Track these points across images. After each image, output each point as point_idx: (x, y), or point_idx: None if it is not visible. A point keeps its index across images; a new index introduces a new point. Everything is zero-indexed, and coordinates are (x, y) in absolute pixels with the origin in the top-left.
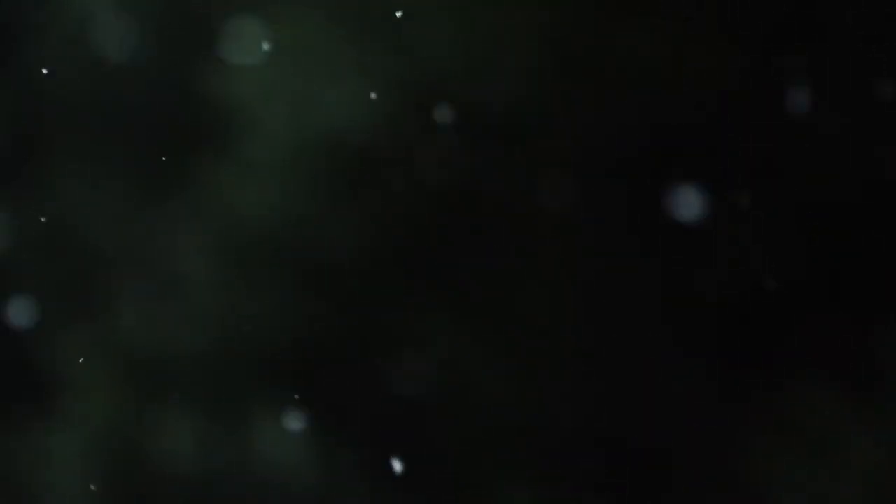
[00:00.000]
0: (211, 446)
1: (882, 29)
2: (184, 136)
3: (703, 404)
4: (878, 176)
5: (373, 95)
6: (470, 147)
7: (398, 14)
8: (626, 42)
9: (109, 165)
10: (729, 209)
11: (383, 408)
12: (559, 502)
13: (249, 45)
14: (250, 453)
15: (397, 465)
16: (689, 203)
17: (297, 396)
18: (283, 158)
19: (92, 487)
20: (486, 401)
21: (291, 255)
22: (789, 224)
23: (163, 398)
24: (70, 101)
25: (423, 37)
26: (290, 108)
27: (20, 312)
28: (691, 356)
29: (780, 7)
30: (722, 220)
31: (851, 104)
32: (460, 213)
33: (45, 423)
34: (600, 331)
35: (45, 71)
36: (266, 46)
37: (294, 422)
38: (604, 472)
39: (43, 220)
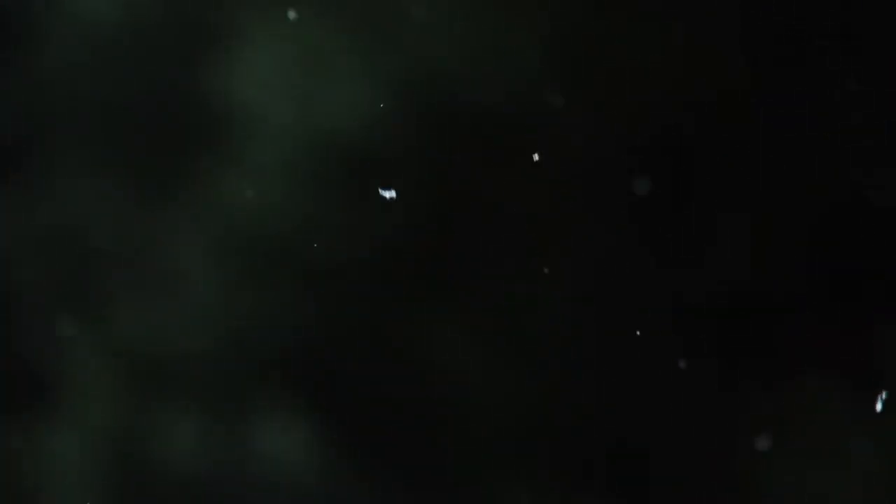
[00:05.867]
0: (211, 446)
1: (882, 30)
2: (184, 136)
3: (703, 404)
4: (879, 176)
5: (373, 96)
6: (470, 147)
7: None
8: (627, 42)
9: (109, 165)
10: (729, 209)
11: (383, 408)
12: (559, 502)
13: (250, 44)
14: (251, 453)
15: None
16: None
17: (297, 396)
18: (283, 158)
19: (92, 487)
20: (487, 401)
21: (292, 255)
22: (789, 223)
23: (163, 398)
24: (70, 101)
25: (424, 37)
26: (291, 108)
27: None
28: (691, 356)
29: (781, 8)
30: (723, 219)
31: (852, 105)
32: (461, 213)
33: (46, 423)
34: (601, 330)
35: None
36: (267, 46)
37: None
38: (604, 472)
39: (43, 220)
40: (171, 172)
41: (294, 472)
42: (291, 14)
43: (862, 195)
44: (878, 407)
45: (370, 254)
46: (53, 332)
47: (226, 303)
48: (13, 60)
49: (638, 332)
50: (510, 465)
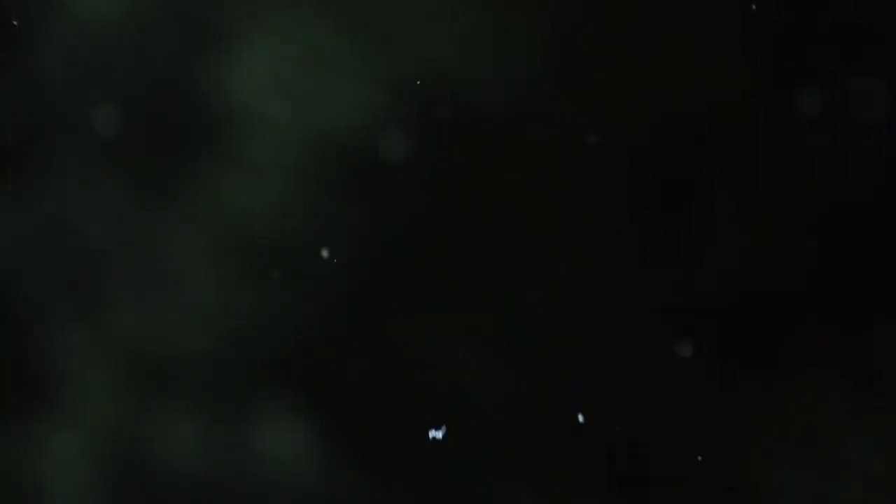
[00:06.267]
0: (211, 446)
1: (882, 29)
2: (184, 136)
3: (703, 404)
4: (879, 175)
5: (373, 96)
6: (470, 147)
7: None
8: (626, 42)
9: (109, 165)
10: (729, 208)
11: (383, 408)
12: (559, 502)
13: (250, 44)
14: (251, 453)
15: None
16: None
17: (297, 396)
18: (283, 158)
19: (92, 487)
20: (487, 401)
21: (292, 255)
22: (790, 223)
23: (163, 398)
24: (70, 101)
25: (423, 37)
26: (291, 108)
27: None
28: (692, 356)
29: (780, 7)
30: (722, 219)
31: (852, 103)
32: (461, 213)
33: (46, 423)
34: (601, 330)
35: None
36: (267, 46)
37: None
38: (604, 472)
39: (43, 220)
40: (171, 172)
41: (294, 472)
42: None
43: (862, 195)
44: None
45: (370, 254)
46: (53, 332)
47: (226, 303)
48: (13, 60)
49: (637, 332)
50: (510, 465)
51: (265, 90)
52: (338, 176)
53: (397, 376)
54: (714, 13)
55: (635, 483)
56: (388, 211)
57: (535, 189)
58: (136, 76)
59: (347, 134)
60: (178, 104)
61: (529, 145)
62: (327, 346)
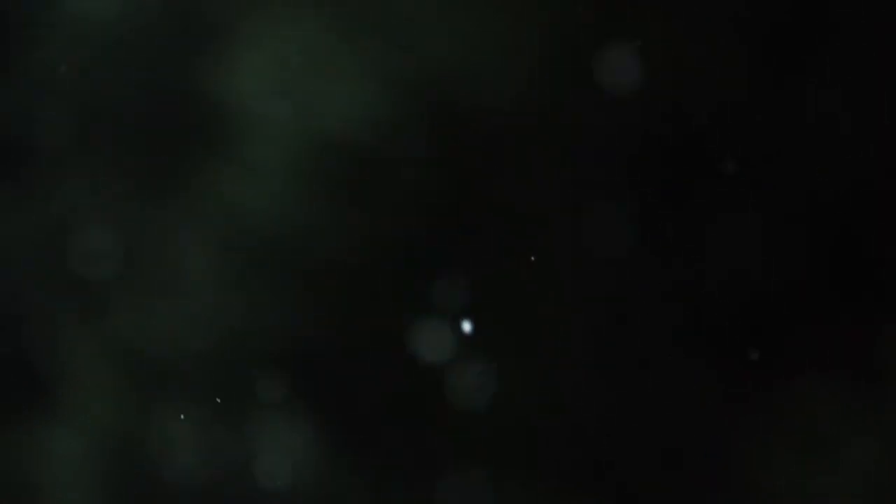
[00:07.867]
0: (211, 446)
1: (881, 27)
2: (184, 136)
3: (703, 404)
4: (879, 175)
5: (373, 96)
6: (470, 147)
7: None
8: (627, 42)
9: (110, 165)
10: (729, 209)
11: (384, 408)
12: (559, 502)
13: (250, 44)
14: (251, 453)
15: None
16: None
17: (297, 396)
18: (283, 158)
19: (92, 487)
20: (487, 401)
21: (292, 256)
22: (790, 223)
23: (163, 398)
24: (71, 101)
25: (423, 37)
26: (291, 109)
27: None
28: (692, 356)
29: (779, 6)
30: (723, 219)
31: (851, 102)
32: (461, 213)
33: (46, 423)
34: (601, 330)
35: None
36: (267, 46)
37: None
38: (604, 473)
39: (43, 220)
40: (171, 172)
41: (294, 472)
42: None
43: (862, 195)
44: None
45: (370, 254)
46: (53, 332)
47: (226, 303)
48: (13, 60)
49: (637, 332)
50: (510, 466)
51: (265, 90)
52: (338, 176)
53: (397, 377)
54: (714, 13)
55: (635, 483)
56: (388, 210)
57: (535, 188)
58: (135, 76)
59: (347, 133)
60: (178, 104)
61: (530, 145)
62: (327, 347)
